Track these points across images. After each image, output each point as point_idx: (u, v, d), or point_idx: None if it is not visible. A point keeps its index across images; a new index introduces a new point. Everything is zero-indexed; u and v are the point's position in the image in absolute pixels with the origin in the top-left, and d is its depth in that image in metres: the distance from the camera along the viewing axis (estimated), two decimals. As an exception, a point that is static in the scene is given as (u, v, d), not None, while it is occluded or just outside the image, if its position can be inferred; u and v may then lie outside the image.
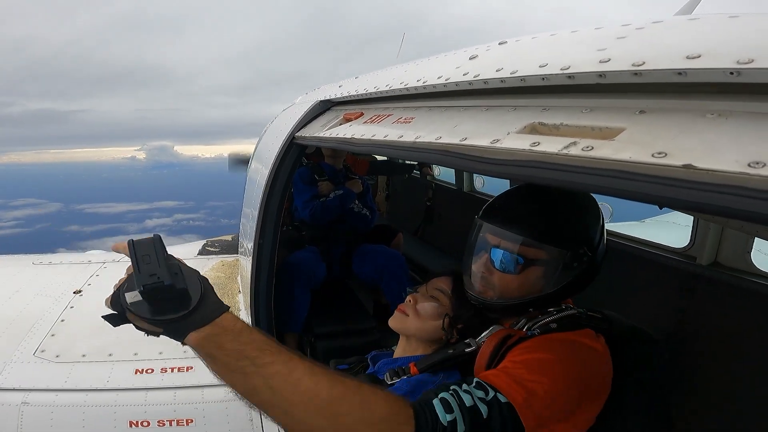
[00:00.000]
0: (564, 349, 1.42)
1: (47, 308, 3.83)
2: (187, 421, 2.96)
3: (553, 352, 1.39)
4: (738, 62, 0.56)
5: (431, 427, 1.11)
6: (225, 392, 3.01)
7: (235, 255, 4.73)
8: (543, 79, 0.86)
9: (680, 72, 0.63)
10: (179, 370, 3.18)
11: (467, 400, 1.20)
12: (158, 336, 1.15)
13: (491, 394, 1.23)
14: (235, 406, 2.98)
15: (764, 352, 2.05)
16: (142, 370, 3.20)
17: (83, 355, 3.29)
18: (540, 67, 0.86)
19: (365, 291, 3.94)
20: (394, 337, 3.67)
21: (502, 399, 1.22)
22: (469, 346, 1.58)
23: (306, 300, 3.42)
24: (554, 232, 1.52)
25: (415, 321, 1.75)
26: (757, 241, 2.37)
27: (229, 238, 5.36)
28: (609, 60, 0.75)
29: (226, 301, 3.32)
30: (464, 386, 1.24)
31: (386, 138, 1.26)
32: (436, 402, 1.18)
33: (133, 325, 1.16)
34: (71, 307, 3.84)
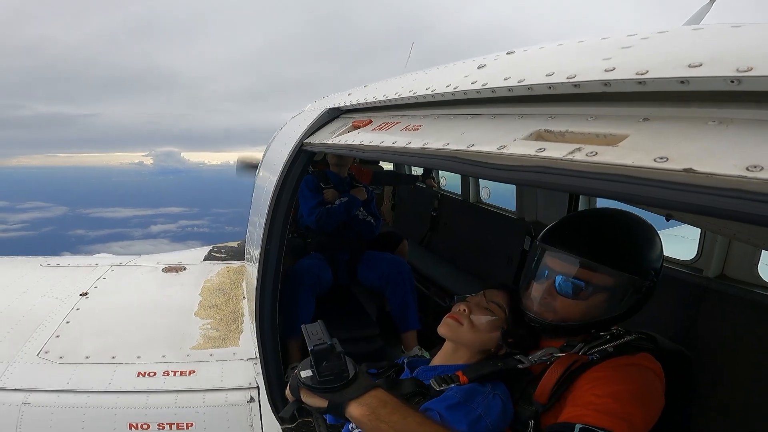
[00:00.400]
0: (637, 376, 1.47)
1: (53, 310, 3.87)
2: (187, 424, 2.98)
3: (630, 381, 1.44)
4: (738, 70, 0.58)
5: None
6: (226, 397, 3.06)
7: (241, 261, 4.78)
8: (549, 87, 0.88)
9: (683, 80, 0.65)
10: (182, 373, 3.20)
11: None
12: (324, 413, 1.42)
13: None
14: (236, 411, 3.02)
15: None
16: (145, 373, 3.22)
17: (87, 357, 3.32)
18: (547, 75, 0.88)
19: (370, 298, 3.95)
20: (397, 345, 3.68)
21: None
22: (521, 362, 1.61)
23: (310, 306, 3.44)
24: (627, 259, 1.54)
25: (470, 331, 1.77)
26: (765, 254, 2.40)
27: (235, 244, 5.41)
28: (614, 69, 0.77)
29: (230, 306, 3.33)
30: None
31: (394, 144, 1.29)
32: None
33: (306, 405, 1.44)
34: (77, 309, 3.88)
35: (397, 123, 1.49)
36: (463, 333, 1.77)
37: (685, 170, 0.56)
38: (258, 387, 3.11)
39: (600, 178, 0.67)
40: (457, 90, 1.16)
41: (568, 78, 0.83)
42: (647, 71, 0.71)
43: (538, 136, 0.87)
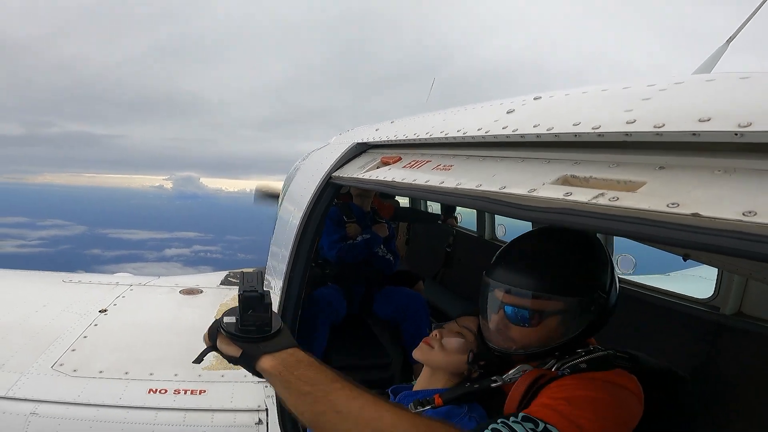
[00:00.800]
0: (602, 388, 1.49)
1: (72, 324, 4.02)
2: (194, 443, 3.08)
3: (592, 390, 1.46)
4: (739, 125, 0.70)
5: None
6: (234, 418, 3.17)
7: (255, 288, 4.95)
8: (575, 135, 0.99)
9: (694, 133, 0.77)
10: (192, 392, 3.32)
11: (519, 430, 1.28)
12: (235, 363, 1.40)
13: (541, 425, 1.30)
14: None
15: None
16: (156, 390, 3.32)
17: (100, 372, 3.44)
18: (573, 125, 1.00)
19: (383, 330, 4.06)
20: (408, 373, 3.76)
21: (553, 430, 1.30)
22: (495, 381, 1.66)
23: (325, 334, 3.58)
24: (568, 283, 1.60)
25: (440, 354, 1.85)
26: None
27: (251, 270, 5.61)
28: (635, 121, 0.88)
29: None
30: (512, 419, 1.32)
31: (428, 183, 1.40)
32: None
33: (219, 351, 1.44)
34: (95, 325, 4.04)
35: (427, 162, 1.59)
36: (435, 355, 1.86)
37: (693, 215, 0.67)
38: (267, 410, 3.19)
39: (620, 221, 0.78)
40: (488, 134, 1.27)
41: (593, 128, 0.95)
42: (664, 125, 0.82)
43: (565, 181, 0.97)
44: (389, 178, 1.67)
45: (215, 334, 1.45)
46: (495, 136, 1.25)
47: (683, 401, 1.71)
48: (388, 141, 2.06)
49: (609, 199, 0.82)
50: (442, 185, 1.32)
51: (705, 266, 3.13)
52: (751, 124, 0.69)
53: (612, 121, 0.93)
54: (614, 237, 3.43)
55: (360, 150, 2.38)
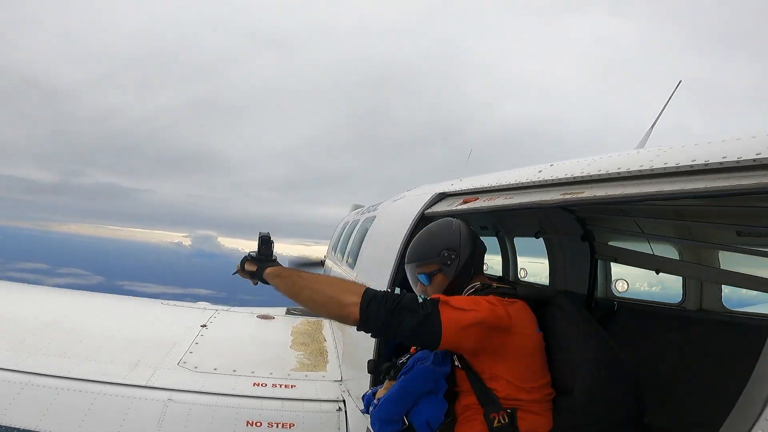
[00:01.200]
0: (464, 297, 2.55)
1: (183, 334, 5.30)
2: (290, 424, 4.15)
3: (455, 300, 2.40)
4: (619, 169, 2.50)
5: (378, 293, 2.27)
6: (320, 406, 4.29)
7: (316, 317, 6.51)
8: (569, 179, 2.75)
9: (609, 173, 2.54)
10: (286, 386, 4.50)
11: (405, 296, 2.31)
12: (252, 276, 2.59)
13: (423, 297, 2.36)
14: (328, 417, 4.25)
15: (735, 362, 3.15)
16: (259, 383, 4.48)
17: (215, 369, 4.64)
18: (566, 175, 2.75)
19: None
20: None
21: (425, 296, 2.41)
22: None
23: (392, 344, 4.69)
24: (424, 253, 2.82)
25: None
26: (725, 288, 3.91)
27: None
28: (589, 174, 2.65)
29: (313, 347, 5.69)
30: None
31: (504, 203, 3.05)
32: None
33: (244, 270, 2.64)
34: (201, 335, 5.34)
35: (498, 197, 3.20)
36: None
37: (607, 195, 2.42)
38: (344, 401, 4.36)
39: (582, 202, 2.54)
40: (531, 181, 2.97)
41: (573, 176, 2.71)
42: (599, 171, 2.57)
43: (565, 193, 2.67)
44: (477, 206, 3.30)
45: (244, 261, 2.59)
46: (533, 182, 2.96)
47: (557, 311, 2.74)
48: (467, 190, 3.69)
49: (580, 195, 2.54)
50: (512, 202, 3.00)
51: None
52: (620, 168, 2.44)
53: (581, 173, 2.68)
54: (611, 264, 5.01)
55: (440, 197, 3.90)
